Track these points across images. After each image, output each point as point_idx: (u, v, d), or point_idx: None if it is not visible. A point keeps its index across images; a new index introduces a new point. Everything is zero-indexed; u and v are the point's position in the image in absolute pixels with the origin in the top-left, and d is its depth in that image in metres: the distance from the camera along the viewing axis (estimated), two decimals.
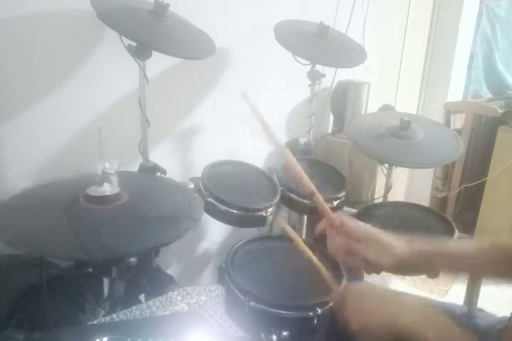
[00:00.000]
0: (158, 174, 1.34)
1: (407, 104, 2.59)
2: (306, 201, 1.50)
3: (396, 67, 2.55)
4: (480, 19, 2.68)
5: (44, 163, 1.30)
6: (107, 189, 0.93)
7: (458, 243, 0.76)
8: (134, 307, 0.84)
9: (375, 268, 0.78)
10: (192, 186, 1.37)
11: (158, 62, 1.36)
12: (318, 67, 1.72)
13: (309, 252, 0.86)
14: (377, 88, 2.21)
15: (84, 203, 0.91)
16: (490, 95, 2.92)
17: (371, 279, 1.79)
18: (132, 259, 1.02)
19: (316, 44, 1.64)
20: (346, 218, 0.84)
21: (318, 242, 1.32)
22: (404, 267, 0.78)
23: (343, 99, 2.10)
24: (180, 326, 0.78)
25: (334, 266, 1.15)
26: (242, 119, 1.87)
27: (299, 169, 0.88)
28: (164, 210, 0.98)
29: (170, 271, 1.61)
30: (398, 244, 0.78)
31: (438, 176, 2.74)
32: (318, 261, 0.86)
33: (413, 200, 1.60)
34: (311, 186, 0.86)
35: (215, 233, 1.89)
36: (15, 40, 1.18)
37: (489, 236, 1.10)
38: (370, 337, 0.70)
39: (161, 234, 0.86)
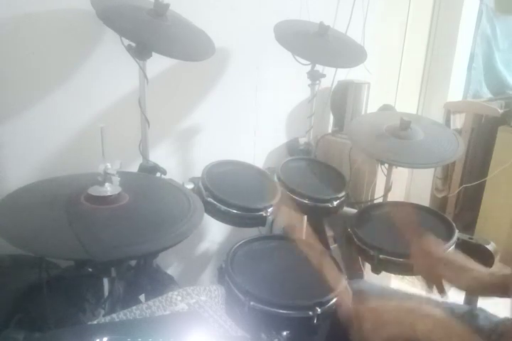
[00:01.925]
0: (158, 174, 1.34)
1: (407, 104, 2.59)
2: (306, 201, 1.50)
3: (396, 67, 2.55)
4: (480, 19, 2.68)
5: (44, 162, 1.30)
6: (109, 189, 0.93)
7: None
8: (134, 307, 0.84)
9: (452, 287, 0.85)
10: (192, 186, 1.37)
11: (158, 62, 1.36)
12: (318, 67, 1.72)
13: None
14: (377, 88, 2.21)
15: (86, 203, 0.91)
16: (490, 95, 2.92)
17: (367, 278, 1.79)
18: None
19: (316, 44, 1.64)
20: (435, 242, 0.93)
21: (318, 242, 1.32)
22: (482, 289, 0.88)
23: (343, 99, 2.10)
24: (180, 326, 0.78)
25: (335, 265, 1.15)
26: (241, 119, 1.87)
27: None
28: (165, 212, 0.97)
29: (170, 271, 1.61)
30: (480, 269, 0.90)
31: (438, 176, 2.74)
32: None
33: (413, 200, 1.60)
34: None
35: (215, 233, 1.89)
36: (15, 40, 1.18)
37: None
38: None
39: (161, 238, 0.86)
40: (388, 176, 1.68)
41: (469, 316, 0.92)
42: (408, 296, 1.03)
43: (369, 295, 0.77)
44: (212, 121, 1.74)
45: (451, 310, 0.95)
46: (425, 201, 2.65)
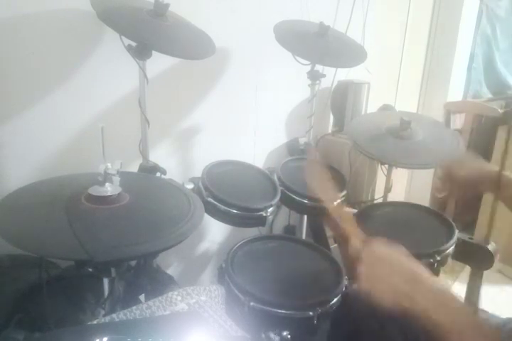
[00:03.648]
0: (158, 174, 1.34)
1: (407, 104, 2.59)
2: (306, 201, 1.50)
3: (396, 67, 2.55)
4: (480, 19, 2.68)
5: (44, 162, 1.30)
6: (109, 189, 0.93)
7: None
8: (134, 307, 0.84)
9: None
10: (192, 186, 1.37)
11: (158, 62, 1.36)
12: (318, 67, 1.72)
13: None
14: (377, 88, 2.21)
15: (86, 203, 0.91)
16: (490, 95, 2.92)
17: None
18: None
19: (316, 44, 1.64)
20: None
21: (318, 242, 1.32)
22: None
23: (343, 99, 2.10)
24: (180, 326, 0.78)
25: (335, 266, 1.15)
26: (241, 119, 1.87)
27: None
28: (165, 212, 0.97)
29: (170, 271, 1.61)
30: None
31: (438, 176, 2.73)
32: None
33: (413, 200, 1.60)
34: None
35: (215, 233, 1.89)
36: (15, 40, 1.18)
37: None
38: (376, 303, 0.68)
39: (161, 238, 0.86)
40: (388, 176, 1.68)
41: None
42: None
43: (386, 264, 0.73)
44: (212, 121, 1.74)
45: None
46: (425, 201, 2.65)
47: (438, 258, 1.21)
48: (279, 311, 1.00)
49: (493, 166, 1.08)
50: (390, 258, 0.74)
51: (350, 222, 0.82)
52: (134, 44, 1.17)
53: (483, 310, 0.97)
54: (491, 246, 1.39)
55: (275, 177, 1.55)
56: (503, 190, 1.03)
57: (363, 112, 2.12)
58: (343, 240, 0.78)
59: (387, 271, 0.71)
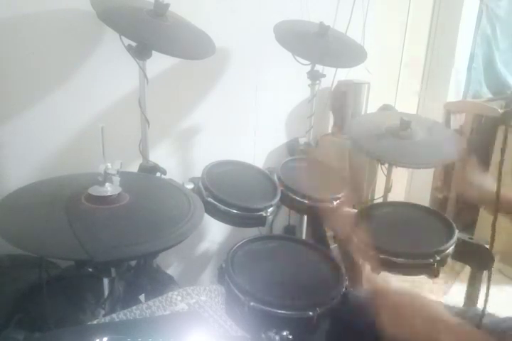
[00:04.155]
0: (158, 174, 1.34)
1: (407, 104, 2.59)
2: (306, 201, 1.50)
3: (396, 67, 2.55)
4: (480, 19, 2.68)
5: (44, 162, 1.30)
6: (109, 189, 0.93)
7: None
8: (134, 307, 0.84)
9: None
10: (192, 186, 1.37)
11: (158, 62, 1.36)
12: (318, 67, 1.72)
13: None
14: (377, 88, 2.21)
15: (86, 203, 0.91)
16: (490, 95, 2.92)
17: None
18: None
19: (316, 44, 1.64)
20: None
21: (318, 242, 1.32)
22: None
23: (343, 99, 2.10)
24: (180, 326, 0.78)
25: (335, 266, 1.15)
26: (242, 119, 1.87)
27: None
28: (165, 212, 0.97)
29: (170, 271, 1.61)
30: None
31: (438, 176, 2.74)
32: None
33: (413, 200, 1.60)
34: None
35: (215, 233, 1.89)
36: (15, 40, 1.18)
37: None
38: None
39: (161, 238, 0.86)
40: (388, 176, 1.68)
41: (477, 319, 0.91)
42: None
43: (407, 306, 0.72)
44: (212, 121, 1.74)
45: (461, 312, 0.94)
46: (425, 201, 2.65)
47: (438, 258, 1.21)
48: (279, 311, 1.00)
49: (492, 185, 1.02)
50: (411, 301, 0.74)
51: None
52: (134, 44, 1.17)
53: (488, 313, 0.96)
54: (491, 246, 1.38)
55: (275, 177, 1.55)
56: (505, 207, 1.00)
57: (363, 112, 2.12)
58: (343, 243, 0.78)
59: (409, 314, 0.72)
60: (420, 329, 0.69)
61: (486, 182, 1.11)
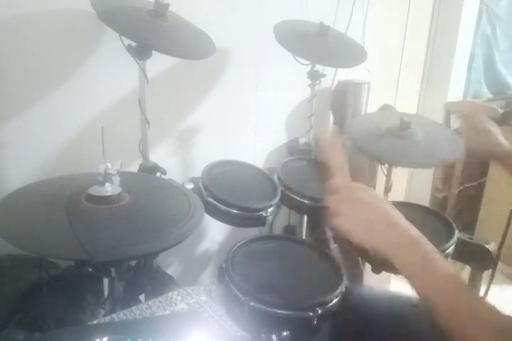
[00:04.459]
0: (158, 174, 1.34)
1: (407, 104, 2.59)
2: (306, 201, 1.50)
3: (396, 68, 2.55)
4: (480, 19, 2.68)
5: (44, 162, 1.31)
6: (109, 189, 0.93)
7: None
8: (134, 307, 0.84)
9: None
10: (192, 186, 1.37)
11: (158, 62, 1.36)
12: (318, 67, 1.72)
13: None
14: (377, 88, 2.21)
15: (86, 203, 0.91)
16: (490, 95, 2.92)
17: (367, 278, 1.79)
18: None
19: (316, 44, 1.64)
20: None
21: (318, 242, 1.32)
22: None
23: (343, 99, 2.10)
24: (180, 326, 0.78)
25: (335, 266, 1.15)
26: (241, 119, 1.87)
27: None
28: (165, 212, 0.97)
29: (170, 271, 1.61)
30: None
31: (438, 176, 2.74)
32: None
33: (413, 200, 1.60)
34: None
35: (215, 233, 1.89)
36: (15, 40, 1.18)
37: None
38: (350, 241, 0.68)
39: (161, 238, 0.86)
40: (388, 176, 1.68)
41: None
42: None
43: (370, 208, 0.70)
44: (212, 121, 1.74)
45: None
46: (425, 201, 2.65)
47: None
48: (279, 311, 1.00)
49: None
50: (373, 200, 0.71)
51: (338, 155, 0.80)
52: (134, 44, 1.17)
53: None
54: (491, 246, 1.38)
55: (275, 177, 1.55)
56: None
57: (363, 112, 2.12)
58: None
59: (367, 211, 0.70)
60: (374, 227, 0.67)
61: (496, 131, 1.15)
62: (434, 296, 0.61)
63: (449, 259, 1.31)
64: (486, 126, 1.16)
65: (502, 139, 1.13)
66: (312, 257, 1.21)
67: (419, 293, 0.62)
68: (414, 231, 0.67)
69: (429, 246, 0.65)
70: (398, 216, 0.69)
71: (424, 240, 0.66)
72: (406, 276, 0.63)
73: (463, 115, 1.21)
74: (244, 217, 1.32)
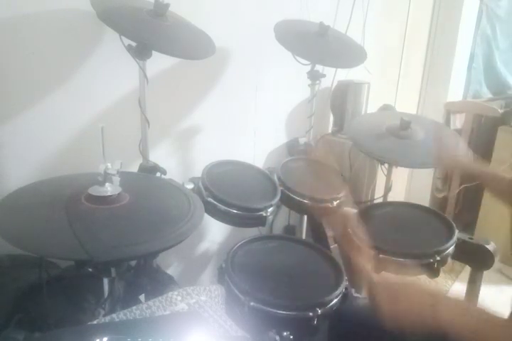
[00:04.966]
0: (158, 174, 1.34)
1: (407, 104, 2.59)
2: (306, 201, 1.50)
3: (396, 67, 2.55)
4: (480, 19, 2.68)
5: (44, 162, 1.30)
6: (109, 189, 0.93)
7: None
8: (134, 307, 0.84)
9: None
10: (192, 186, 1.37)
11: (158, 62, 1.36)
12: (318, 67, 1.72)
13: None
14: (377, 88, 2.21)
15: (86, 203, 0.91)
16: (490, 95, 2.92)
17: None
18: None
19: (316, 44, 1.64)
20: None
21: (318, 242, 1.32)
22: None
23: (343, 99, 2.10)
24: (180, 326, 0.78)
25: (335, 266, 1.15)
26: (241, 119, 1.87)
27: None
28: (165, 212, 0.97)
29: (170, 271, 1.61)
30: None
31: (438, 176, 2.74)
32: None
33: (413, 200, 1.60)
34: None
35: (215, 233, 1.89)
36: (15, 40, 1.18)
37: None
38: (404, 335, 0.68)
39: (161, 238, 0.86)
40: (388, 176, 1.68)
41: None
42: None
43: (405, 295, 0.73)
44: (212, 121, 1.74)
45: None
46: (425, 201, 2.65)
47: (438, 258, 1.21)
48: (279, 311, 1.00)
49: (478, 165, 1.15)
50: (405, 286, 0.74)
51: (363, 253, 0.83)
52: (134, 44, 1.17)
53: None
54: (491, 246, 1.39)
55: (275, 177, 1.55)
56: (491, 185, 1.10)
57: (363, 112, 2.12)
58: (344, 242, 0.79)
59: (407, 298, 0.71)
60: (420, 309, 0.69)
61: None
62: None
63: (449, 259, 1.31)
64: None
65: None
66: (312, 257, 1.21)
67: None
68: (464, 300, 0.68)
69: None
70: (440, 291, 0.72)
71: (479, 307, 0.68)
72: None
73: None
74: (244, 217, 1.32)
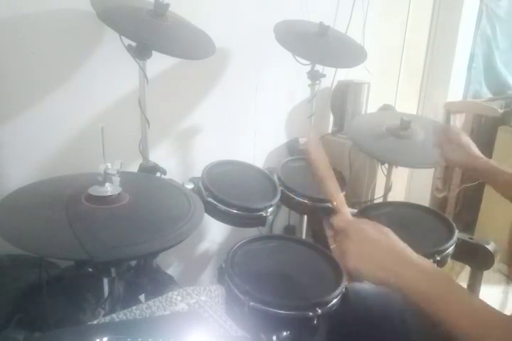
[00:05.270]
0: (158, 174, 1.34)
1: (407, 104, 2.59)
2: (306, 201, 1.50)
3: (396, 67, 2.55)
4: (480, 19, 2.68)
5: (44, 162, 1.30)
6: (109, 189, 0.93)
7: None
8: (134, 307, 0.84)
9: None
10: (192, 186, 1.37)
11: (158, 62, 1.36)
12: (318, 67, 1.72)
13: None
14: (377, 88, 2.21)
15: (86, 203, 0.91)
16: (490, 95, 2.92)
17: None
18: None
19: (316, 44, 1.64)
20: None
21: (318, 242, 1.32)
22: None
23: (343, 99, 2.10)
24: (180, 326, 0.78)
25: (335, 266, 1.15)
26: (241, 119, 1.87)
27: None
28: (165, 212, 0.97)
29: (170, 271, 1.61)
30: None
31: (438, 176, 2.74)
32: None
33: (413, 200, 1.60)
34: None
35: (215, 233, 1.89)
36: (15, 40, 1.18)
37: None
38: (362, 280, 0.69)
39: (161, 238, 0.86)
40: (388, 176, 1.68)
41: None
42: None
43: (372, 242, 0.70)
44: (212, 121, 1.74)
45: None
46: (425, 201, 2.65)
47: (438, 258, 1.21)
48: (279, 311, 1.00)
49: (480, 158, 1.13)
50: (378, 236, 0.71)
51: (340, 197, 0.80)
52: (134, 44, 1.17)
53: None
54: (491, 246, 1.39)
55: (275, 177, 1.55)
56: (493, 178, 1.10)
57: (363, 112, 2.12)
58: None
59: (374, 248, 0.70)
60: (384, 265, 0.67)
61: (470, 143, 1.16)
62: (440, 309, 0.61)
63: (449, 259, 1.31)
64: (461, 140, 1.17)
65: (476, 151, 1.15)
66: (312, 257, 1.20)
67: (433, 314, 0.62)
68: (426, 262, 0.67)
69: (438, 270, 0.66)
70: (411, 252, 0.69)
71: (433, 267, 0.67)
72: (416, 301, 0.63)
73: (439, 129, 1.25)
74: (244, 217, 1.32)
